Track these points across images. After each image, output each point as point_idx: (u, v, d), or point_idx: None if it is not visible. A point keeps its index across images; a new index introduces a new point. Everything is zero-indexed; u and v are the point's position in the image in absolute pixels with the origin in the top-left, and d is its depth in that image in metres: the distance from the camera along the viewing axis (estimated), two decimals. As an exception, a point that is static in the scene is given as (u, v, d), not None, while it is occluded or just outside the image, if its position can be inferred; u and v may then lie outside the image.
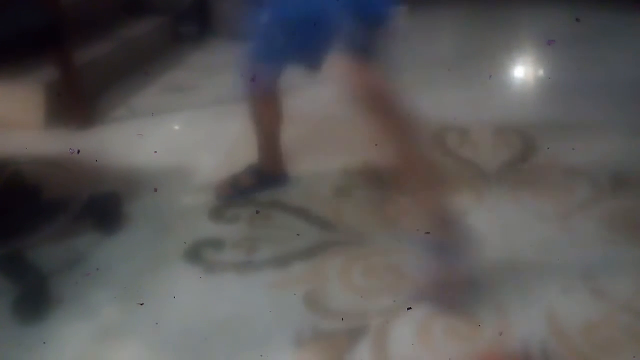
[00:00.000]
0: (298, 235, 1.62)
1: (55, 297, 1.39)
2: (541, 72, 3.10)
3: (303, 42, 1.39)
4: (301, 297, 1.39)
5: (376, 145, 1.31)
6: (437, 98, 2.45)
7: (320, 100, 2.55)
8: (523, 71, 3.12)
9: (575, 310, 1.33)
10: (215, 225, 1.68)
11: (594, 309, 1.33)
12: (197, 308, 1.38)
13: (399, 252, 1.54)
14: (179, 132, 2.36)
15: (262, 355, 1.23)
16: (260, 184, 1.82)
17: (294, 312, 1.35)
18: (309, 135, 2.21)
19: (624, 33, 3.42)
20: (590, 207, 1.72)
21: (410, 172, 1.31)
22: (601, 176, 1.87)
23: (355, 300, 1.38)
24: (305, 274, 1.47)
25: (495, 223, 1.65)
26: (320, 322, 1.31)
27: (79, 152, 2.04)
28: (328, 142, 2.17)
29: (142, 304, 1.39)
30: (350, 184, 1.87)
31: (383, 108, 1.29)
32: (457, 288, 1.34)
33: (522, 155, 2.02)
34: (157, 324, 1.33)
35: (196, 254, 1.55)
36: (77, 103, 2.31)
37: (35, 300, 1.36)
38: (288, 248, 1.57)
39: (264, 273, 1.48)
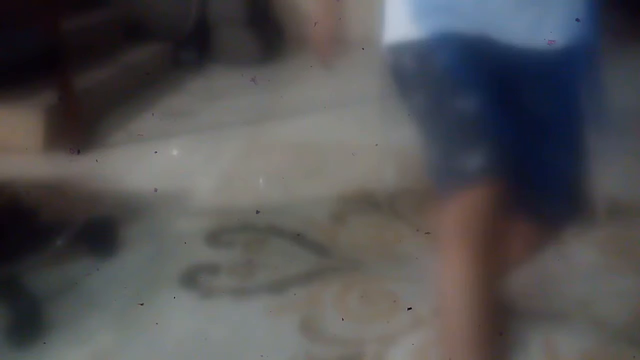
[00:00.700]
0: (294, 260, 1.62)
1: (49, 321, 1.37)
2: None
3: None
4: (297, 322, 1.38)
5: None
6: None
7: (317, 125, 2.58)
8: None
9: (572, 339, 1.32)
10: (211, 250, 1.68)
11: (591, 337, 1.33)
12: (193, 333, 1.37)
13: (395, 279, 1.54)
14: (176, 157, 2.37)
15: (256, 382, 1.23)
16: None
17: (289, 338, 1.34)
18: (305, 161, 2.22)
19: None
20: (585, 233, 1.72)
21: None
22: (597, 202, 1.87)
23: (350, 327, 1.37)
24: (301, 300, 1.47)
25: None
26: (315, 348, 1.30)
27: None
28: (325, 167, 2.18)
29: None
30: (346, 210, 1.87)
31: None
32: None
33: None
34: (151, 349, 1.32)
35: (192, 279, 1.55)
36: (75, 127, 2.32)
37: (30, 324, 1.35)
38: (284, 273, 1.56)
39: (259, 298, 1.47)
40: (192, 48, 3.53)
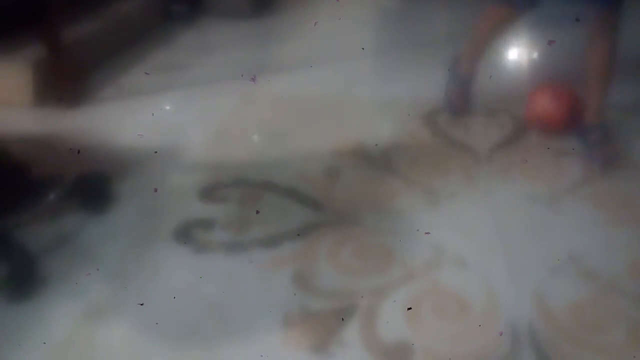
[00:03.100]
0: (288, 215, 1.62)
1: (42, 276, 1.38)
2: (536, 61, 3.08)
3: None
4: (290, 276, 1.39)
5: None
6: (429, 78, 2.44)
7: (311, 80, 2.54)
8: (516, 53, 3.10)
9: (562, 291, 1.34)
10: (205, 205, 1.68)
11: (581, 289, 1.34)
12: (186, 287, 1.38)
13: (388, 233, 1.54)
14: (169, 112, 2.34)
15: (250, 335, 1.24)
16: None
17: (283, 292, 1.35)
18: (300, 115, 2.20)
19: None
20: (579, 188, 1.73)
21: None
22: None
23: (344, 280, 1.38)
24: (295, 254, 1.47)
25: (485, 203, 1.66)
26: (308, 302, 1.31)
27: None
28: (319, 122, 2.16)
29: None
30: (340, 165, 1.86)
31: None
32: None
33: (513, 136, 2.02)
34: (144, 303, 1.32)
35: (185, 234, 1.55)
36: (65, 81, 2.28)
37: (23, 279, 1.35)
38: (278, 228, 1.56)
39: (253, 253, 1.48)
40: (183, 0, 3.44)
